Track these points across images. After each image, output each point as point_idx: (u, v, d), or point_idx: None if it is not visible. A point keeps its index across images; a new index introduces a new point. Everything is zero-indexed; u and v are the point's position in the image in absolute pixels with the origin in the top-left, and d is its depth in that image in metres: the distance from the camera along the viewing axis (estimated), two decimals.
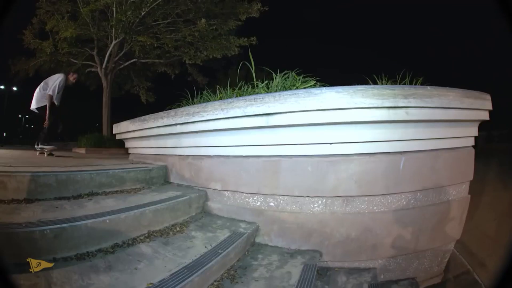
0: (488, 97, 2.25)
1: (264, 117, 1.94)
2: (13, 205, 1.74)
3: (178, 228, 2.02)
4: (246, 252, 1.94)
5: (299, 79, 2.22)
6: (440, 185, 2.17)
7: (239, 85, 2.41)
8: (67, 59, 8.75)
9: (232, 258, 1.71)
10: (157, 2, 7.38)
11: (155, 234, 1.85)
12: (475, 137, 2.37)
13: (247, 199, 2.12)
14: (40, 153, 4.15)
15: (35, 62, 9.14)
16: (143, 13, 7.39)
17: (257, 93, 2.23)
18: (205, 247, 1.63)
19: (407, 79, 2.28)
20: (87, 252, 1.45)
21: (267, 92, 2.17)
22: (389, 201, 2.03)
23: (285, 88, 2.20)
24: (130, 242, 1.67)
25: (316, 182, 1.96)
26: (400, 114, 1.84)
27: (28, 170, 2.04)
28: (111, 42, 8.17)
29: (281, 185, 2.01)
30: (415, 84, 2.27)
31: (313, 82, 2.23)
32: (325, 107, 1.81)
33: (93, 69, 9.07)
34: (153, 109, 2.64)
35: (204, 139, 2.21)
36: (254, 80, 2.28)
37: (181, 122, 2.27)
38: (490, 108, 2.29)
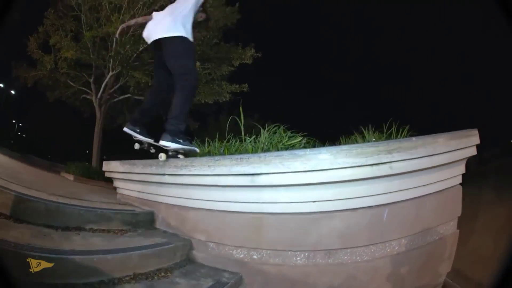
0: (475, 132, 2.19)
1: (249, 177, 1.92)
2: (2, 219, 1.76)
3: (163, 273, 2.05)
4: None
5: (286, 135, 2.17)
6: (427, 228, 2.17)
7: (227, 138, 2.37)
8: (65, 79, 8.50)
9: None
10: None
11: (140, 276, 1.89)
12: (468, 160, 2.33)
13: (231, 251, 2.14)
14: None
15: (34, 74, 8.85)
16: (141, 49, 7.15)
17: (245, 148, 2.19)
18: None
19: (393, 128, 2.19)
20: (74, 283, 1.49)
21: (253, 153, 2.16)
22: (372, 250, 2.04)
23: (271, 144, 2.16)
24: (116, 281, 1.70)
25: (298, 237, 1.96)
26: (383, 170, 1.80)
27: (19, 191, 2.05)
28: (108, 73, 7.92)
29: (264, 239, 2.02)
30: (402, 133, 2.19)
31: (299, 138, 2.19)
32: (309, 168, 1.78)
33: (88, 97, 8.80)
34: (144, 150, 2.61)
35: (191, 192, 2.20)
36: (242, 134, 2.24)
37: (169, 173, 2.25)
38: (478, 142, 2.23)
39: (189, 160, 2.12)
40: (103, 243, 1.95)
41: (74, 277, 1.47)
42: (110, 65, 7.88)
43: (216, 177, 2.00)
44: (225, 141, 2.37)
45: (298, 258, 2.04)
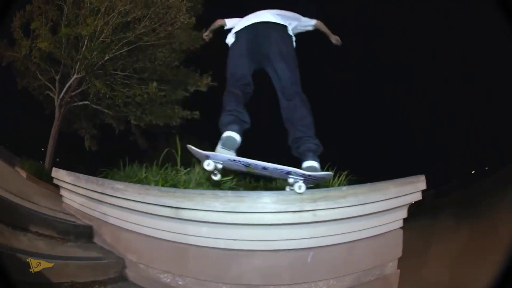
0: (422, 178, 2.11)
1: (174, 210, 1.90)
2: None
3: (97, 286, 2.12)
4: None
5: None
6: (359, 270, 2.13)
7: (165, 167, 2.35)
8: (35, 70, 8.38)
9: None
10: (121, 51, 7.35)
11: (77, 285, 1.98)
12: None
13: (158, 274, 2.16)
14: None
15: (10, 54, 8.75)
16: (106, 58, 7.00)
17: (178, 179, 2.16)
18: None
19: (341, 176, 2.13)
20: (18, 280, 1.56)
21: (184, 185, 2.14)
22: None
23: (201, 179, 2.12)
24: (55, 285, 1.79)
25: (220, 270, 1.96)
26: (306, 217, 1.75)
27: None
28: (73, 75, 7.78)
29: (189, 268, 2.03)
30: (339, 178, 2.13)
31: (231, 176, 2.14)
32: (228, 209, 1.75)
33: (51, 94, 8.64)
34: (95, 158, 2.60)
35: (125, 214, 2.22)
36: (178, 165, 2.21)
37: (107, 193, 2.26)
38: (424, 188, 2.16)
39: (124, 184, 2.11)
40: (46, 247, 2.05)
41: (21, 275, 1.57)
42: (77, 67, 7.77)
43: (146, 205, 1.99)
44: (162, 169, 2.35)
45: None
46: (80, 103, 8.67)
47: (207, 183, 2.16)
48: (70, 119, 9.64)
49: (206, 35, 2.75)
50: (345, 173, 2.18)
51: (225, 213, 1.74)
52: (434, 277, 3.56)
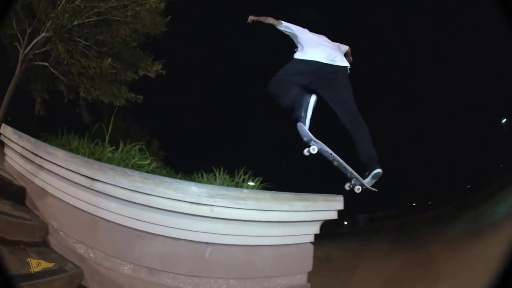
0: (338, 198, 2.19)
1: (89, 180, 2.02)
2: None
3: (22, 246, 2.23)
4: None
5: (137, 156, 2.28)
6: (262, 276, 2.19)
7: (95, 142, 2.47)
8: (12, 17, 8.44)
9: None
10: (90, 20, 7.39)
11: (5, 241, 2.03)
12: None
13: (74, 244, 2.26)
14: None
15: None
16: (75, 23, 7.24)
17: (104, 155, 2.31)
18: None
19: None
20: None
21: (107, 162, 2.26)
22: (196, 282, 2.09)
23: (122, 159, 2.25)
24: None
25: (125, 248, 2.05)
26: (204, 211, 1.85)
27: None
28: (42, 32, 7.98)
29: (99, 241, 2.12)
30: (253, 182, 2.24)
31: (149, 161, 2.28)
32: (133, 188, 1.86)
33: (18, 47, 8.40)
34: (42, 123, 2.77)
35: (52, 179, 2.34)
36: (106, 142, 2.36)
37: (40, 155, 2.39)
38: (340, 208, 2.23)
39: (55, 149, 2.24)
40: None
41: None
42: (47, 25, 7.67)
43: (68, 172, 2.12)
44: (92, 144, 2.50)
45: (125, 268, 2.13)
46: (41, 63, 8.47)
47: (130, 162, 2.29)
48: (28, 77, 9.51)
49: (251, 19, 2.78)
50: (258, 178, 2.27)
51: (131, 191, 1.85)
52: None
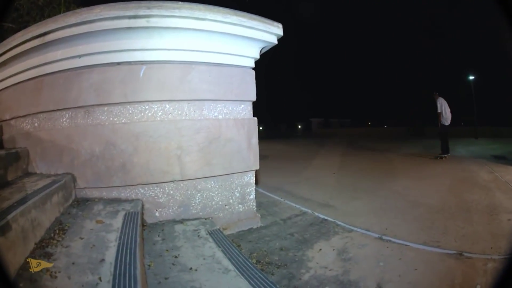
0: (277, 24, 2.32)
1: (41, 38, 2.07)
2: None
3: None
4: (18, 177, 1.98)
5: None
6: (199, 98, 2.05)
7: None
8: None
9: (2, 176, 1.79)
10: None
11: None
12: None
13: (22, 124, 2.27)
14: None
15: None
16: None
17: None
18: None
19: None
20: None
21: None
22: (130, 111, 1.98)
23: None
24: None
25: (64, 94, 2.09)
26: (141, 22, 1.95)
27: None
28: None
29: (42, 101, 2.17)
30: None
31: None
32: (80, 20, 1.93)
33: None
34: None
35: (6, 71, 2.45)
36: None
37: None
38: (279, 33, 2.28)
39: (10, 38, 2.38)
40: None
41: None
42: None
43: (19, 47, 2.19)
44: None
45: (63, 120, 2.09)
46: None
47: None
48: None
49: None
50: None
51: (77, 26, 1.95)
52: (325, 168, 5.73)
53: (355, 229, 2.29)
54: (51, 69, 2.17)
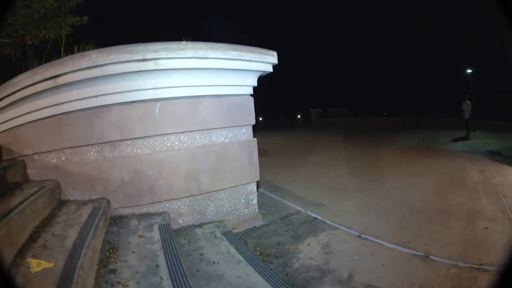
0: (272, 52, 2.73)
1: (53, 80, 2.35)
2: None
3: (8, 192, 2.43)
4: (55, 207, 2.32)
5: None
6: (208, 127, 2.52)
7: None
8: None
9: (42, 208, 2.12)
10: None
11: None
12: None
13: (47, 158, 2.59)
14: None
15: None
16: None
17: None
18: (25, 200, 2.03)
19: None
20: None
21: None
22: (151, 143, 2.41)
23: None
24: None
25: (87, 131, 2.42)
26: (149, 65, 2.29)
27: None
28: None
29: (65, 138, 2.49)
30: None
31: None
32: (91, 64, 2.24)
33: None
34: None
35: (18, 109, 2.67)
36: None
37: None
38: (274, 62, 2.75)
39: (17, 78, 2.55)
40: None
41: None
42: None
43: (31, 87, 2.43)
44: None
45: (90, 154, 2.46)
46: None
47: None
48: None
49: None
50: None
51: (89, 69, 2.28)
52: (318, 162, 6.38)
53: (340, 227, 2.67)
54: (68, 108, 2.45)
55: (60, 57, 2.93)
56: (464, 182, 4.09)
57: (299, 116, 25.88)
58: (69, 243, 1.70)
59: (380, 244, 2.33)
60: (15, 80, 2.64)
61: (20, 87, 2.57)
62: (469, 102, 10.03)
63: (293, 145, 9.70)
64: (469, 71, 14.86)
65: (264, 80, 2.93)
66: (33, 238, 1.77)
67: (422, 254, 2.11)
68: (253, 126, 2.91)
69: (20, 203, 1.90)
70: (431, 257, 2.06)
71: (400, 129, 13.30)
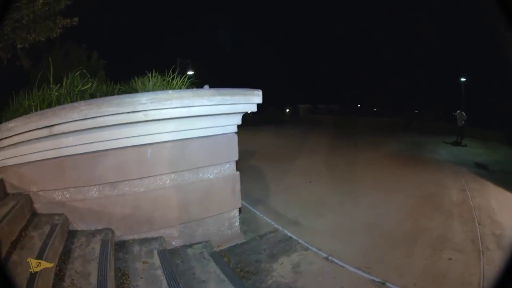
0: (257, 92, 3.04)
1: (48, 129, 2.64)
2: None
3: (24, 233, 2.63)
4: (66, 239, 2.67)
5: (79, 83, 3.12)
6: (196, 167, 2.95)
7: (42, 87, 3.08)
8: None
9: (58, 246, 2.44)
10: None
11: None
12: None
13: (53, 195, 2.94)
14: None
15: None
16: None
17: (52, 96, 3.03)
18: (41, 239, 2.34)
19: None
20: None
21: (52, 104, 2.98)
22: (146, 183, 2.83)
23: (68, 93, 3.05)
24: None
25: (89, 173, 2.79)
26: (139, 116, 2.63)
27: None
28: None
29: (68, 178, 2.83)
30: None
31: (89, 84, 3.13)
32: (82, 117, 2.56)
33: None
34: None
35: (20, 149, 2.90)
36: (51, 84, 3.09)
37: (5, 136, 2.82)
38: (259, 101, 3.08)
39: (14, 121, 2.71)
40: None
41: None
42: None
43: (29, 133, 2.71)
44: (40, 91, 3.02)
45: (93, 192, 2.85)
46: None
47: (75, 90, 3.04)
48: None
49: None
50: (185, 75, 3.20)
51: (81, 121, 2.60)
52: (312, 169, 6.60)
53: (311, 248, 2.92)
54: (67, 152, 2.75)
55: (51, 57, 2.97)
56: (442, 202, 4.12)
57: (287, 110, 26.29)
58: (93, 279, 2.08)
59: (343, 267, 2.56)
60: (10, 124, 2.83)
61: (16, 132, 2.79)
62: (463, 113, 10.56)
63: (280, 146, 9.89)
64: (463, 79, 15.09)
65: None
66: (59, 277, 2.18)
67: (380, 280, 2.27)
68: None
69: (42, 250, 2.19)
70: (388, 284, 2.20)
71: (388, 130, 13.52)
